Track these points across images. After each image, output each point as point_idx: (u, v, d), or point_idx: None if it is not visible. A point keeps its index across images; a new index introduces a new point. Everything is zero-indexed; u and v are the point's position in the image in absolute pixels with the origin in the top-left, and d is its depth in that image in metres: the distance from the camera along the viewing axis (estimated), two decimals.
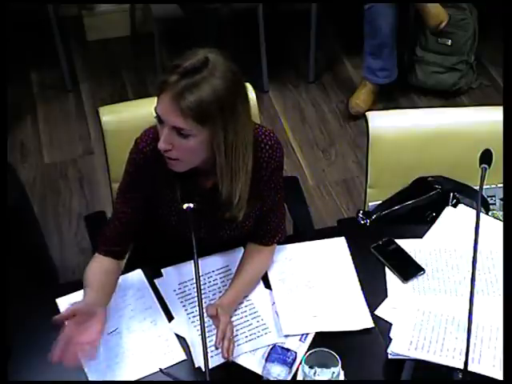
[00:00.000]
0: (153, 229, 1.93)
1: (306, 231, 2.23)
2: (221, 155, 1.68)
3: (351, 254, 1.98)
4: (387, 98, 3.72)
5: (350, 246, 2.00)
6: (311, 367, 1.63)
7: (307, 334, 1.80)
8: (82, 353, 1.65)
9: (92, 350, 1.65)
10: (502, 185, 2.08)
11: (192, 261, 1.68)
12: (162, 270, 1.94)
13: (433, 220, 2.08)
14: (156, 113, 1.66)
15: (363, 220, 2.12)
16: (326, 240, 2.02)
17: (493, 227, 2.01)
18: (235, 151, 1.70)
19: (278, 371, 1.69)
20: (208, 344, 1.66)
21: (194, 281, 1.68)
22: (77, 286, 1.90)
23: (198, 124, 1.62)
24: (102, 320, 1.70)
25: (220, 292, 1.90)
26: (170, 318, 1.85)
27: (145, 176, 1.81)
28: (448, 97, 3.74)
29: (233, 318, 1.82)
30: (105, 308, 1.74)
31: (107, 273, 1.83)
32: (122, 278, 1.93)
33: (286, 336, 1.79)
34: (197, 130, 1.63)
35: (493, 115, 2.20)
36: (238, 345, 1.78)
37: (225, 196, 1.75)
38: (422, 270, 1.94)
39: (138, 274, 1.93)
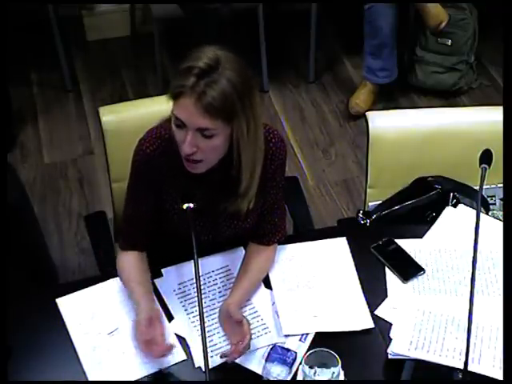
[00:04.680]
0: (153, 228, 1.93)
1: (306, 231, 2.23)
2: (244, 149, 1.70)
3: (351, 254, 1.98)
4: (387, 98, 3.72)
5: (350, 246, 2.00)
6: (311, 367, 1.63)
7: (307, 333, 1.80)
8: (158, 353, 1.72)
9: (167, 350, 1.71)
10: (501, 185, 2.08)
11: (192, 261, 1.68)
12: (162, 270, 1.94)
13: (433, 220, 2.08)
14: (176, 118, 1.66)
15: (363, 220, 2.12)
16: (326, 240, 2.02)
17: (493, 227, 2.01)
18: (256, 141, 1.72)
19: (277, 371, 1.69)
20: (208, 344, 1.67)
21: (194, 281, 1.68)
22: (77, 286, 1.91)
23: (223, 122, 1.63)
24: (161, 323, 1.76)
25: (220, 292, 1.90)
26: (169, 317, 1.85)
27: (149, 176, 1.82)
28: (448, 97, 3.74)
29: None
30: (158, 308, 1.82)
31: (142, 263, 1.89)
32: None
33: (286, 336, 1.79)
34: (222, 127, 1.64)
35: (493, 115, 2.20)
36: None
37: (244, 187, 1.76)
38: (422, 270, 1.94)
39: None
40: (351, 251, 1.99)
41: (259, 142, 1.74)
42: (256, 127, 1.70)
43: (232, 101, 1.61)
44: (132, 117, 2.16)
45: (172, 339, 1.78)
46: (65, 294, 1.88)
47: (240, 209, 1.81)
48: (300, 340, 1.79)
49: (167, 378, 1.72)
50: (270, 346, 1.75)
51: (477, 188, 1.79)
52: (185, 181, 1.79)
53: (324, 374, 1.62)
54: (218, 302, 1.87)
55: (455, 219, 2.06)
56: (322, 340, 1.77)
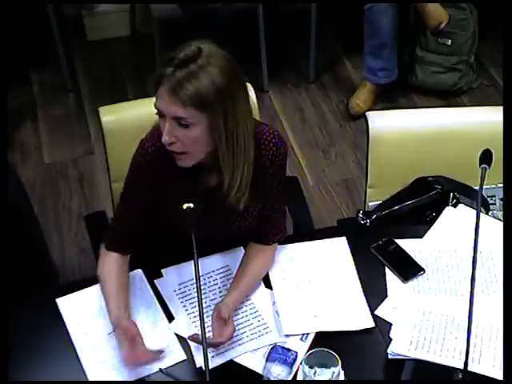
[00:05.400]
0: (153, 229, 1.93)
1: (306, 231, 2.23)
2: (222, 143, 1.69)
3: (351, 254, 1.98)
4: (387, 98, 3.72)
5: (350, 246, 2.00)
6: (311, 367, 1.63)
7: (308, 333, 1.80)
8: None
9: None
10: (501, 185, 2.08)
11: (192, 261, 1.68)
12: (162, 271, 1.94)
13: (433, 220, 2.08)
14: (156, 107, 1.68)
15: (363, 220, 2.12)
16: (326, 240, 2.02)
17: (493, 227, 2.01)
18: (236, 140, 1.71)
19: (278, 371, 1.69)
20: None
21: (194, 281, 1.68)
22: (77, 286, 1.91)
23: (197, 111, 1.64)
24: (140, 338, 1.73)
25: (220, 292, 1.90)
26: (170, 317, 1.85)
27: (148, 176, 1.82)
28: (448, 97, 3.74)
29: (234, 318, 1.82)
30: (132, 321, 1.77)
31: (123, 269, 1.87)
32: None
33: (287, 336, 1.80)
34: (197, 117, 1.65)
35: (493, 115, 2.20)
36: (238, 344, 1.78)
37: (226, 184, 1.76)
38: (422, 269, 1.94)
39: (138, 274, 1.93)
40: (351, 251, 1.99)
41: (240, 139, 1.72)
42: (237, 125, 1.69)
43: (207, 97, 1.62)
44: (132, 117, 2.16)
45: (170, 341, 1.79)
46: (65, 294, 1.88)
47: (234, 206, 1.80)
48: (301, 340, 1.79)
49: (167, 378, 1.72)
50: (271, 346, 1.75)
51: (477, 188, 1.79)
52: (184, 181, 1.80)
53: (324, 374, 1.62)
54: None
55: (455, 219, 2.07)
56: (322, 340, 1.77)
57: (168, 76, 1.63)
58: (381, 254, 1.99)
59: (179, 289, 1.91)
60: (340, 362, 1.61)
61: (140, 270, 1.94)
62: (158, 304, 1.87)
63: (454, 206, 2.11)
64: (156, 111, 1.69)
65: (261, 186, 1.84)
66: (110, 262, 1.87)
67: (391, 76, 3.61)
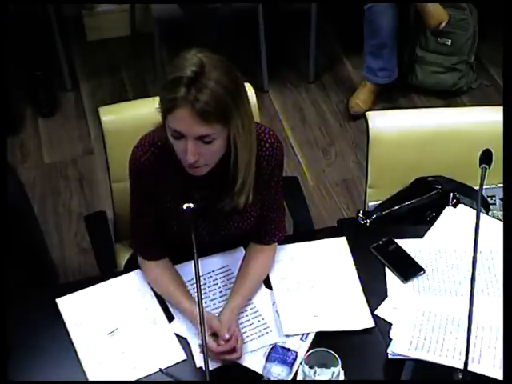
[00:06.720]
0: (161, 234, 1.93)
1: (306, 231, 2.23)
2: (240, 145, 1.70)
3: (351, 254, 1.98)
4: (387, 98, 3.72)
5: (350, 246, 2.00)
6: (311, 367, 1.63)
7: (308, 333, 1.80)
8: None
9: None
10: (501, 185, 2.08)
11: (192, 261, 1.68)
12: None
13: (433, 220, 2.08)
14: (174, 130, 1.65)
15: (363, 220, 2.12)
16: (326, 240, 2.02)
17: (493, 227, 2.01)
18: (251, 138, 1.73)
19: (278, 371, 1.69)
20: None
21: (194, 281, 1.68)
22: (77, 286, 1.91)
23: (221, 125, 1.64)
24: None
25: (220, 292, 1.90)
26: (170, 318, 1.85)
27: (146, 184, 1.82)
28: (448, 97, 3.74)
29: None
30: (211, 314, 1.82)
31: (171, 271, 1.90)
32: (121, 278, 1.93)
33: (287, 336, 1.80)
34: (220, 130, 1.65)
35: (493, 115, 2.20)
36: None
37: (240, 183, 1.76)
38: (422, 269, 1.94)
39: (138, 274, 1.94)
40: (351, 251, 1.99)
41: (253, 136, 1.74)
42: (249, 123, 1.72)
43: (225, 101, 1.62)
44: (132, 117, 2.16)
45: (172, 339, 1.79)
46: (65, 294, 1.88)
47: (237, 204, 1.80)
48: (301, 339, 1.79)
49: (167, 378, 1.72)
50: (271, 346, 1.75)
51: (477, 188, 1.79)
52: (183, 183, 1.79)
53: (324, 374, 1.62)
54: (219, 302, 1.87)
55: (455, 219, 2.07)
56: (322, 340, 1.77)
57: (183, 97, 1.59)
58: (381, 254, 1.99)
59: None
60: (340, 362, 1.61)
61: (140, 270, 1.94)
62: (158, 304, 1.87)
63: (454, 206, 2.11)
64: (172, 133, 1.66)
65: (258, 186, 1.84)
66: (158, 272, 1.89)
67: (391, 76, 3.61)
